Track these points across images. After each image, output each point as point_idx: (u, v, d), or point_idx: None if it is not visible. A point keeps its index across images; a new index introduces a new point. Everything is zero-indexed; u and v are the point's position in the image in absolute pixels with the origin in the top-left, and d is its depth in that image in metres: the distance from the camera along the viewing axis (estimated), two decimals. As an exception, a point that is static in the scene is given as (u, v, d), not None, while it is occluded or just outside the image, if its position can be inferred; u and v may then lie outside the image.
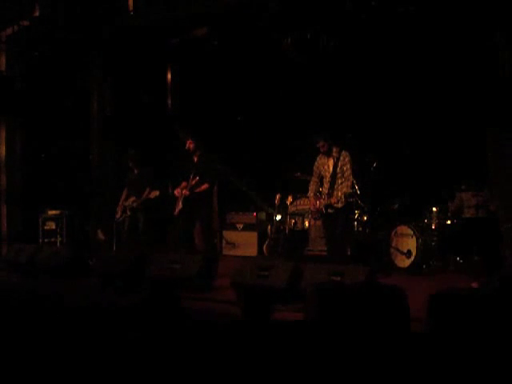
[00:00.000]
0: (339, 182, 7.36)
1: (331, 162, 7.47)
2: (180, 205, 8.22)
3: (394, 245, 8.48)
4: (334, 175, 7.39)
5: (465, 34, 8.09)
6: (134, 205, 8.91)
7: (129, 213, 8.96)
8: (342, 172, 7.36)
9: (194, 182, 8.12)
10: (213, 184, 8.36)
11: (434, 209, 8.48)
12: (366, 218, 8.80)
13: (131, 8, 9.91)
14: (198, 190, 8.10)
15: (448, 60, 8.54)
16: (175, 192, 8.32)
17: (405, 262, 8.33)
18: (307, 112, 9.93)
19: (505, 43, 7.66)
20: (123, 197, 9.16)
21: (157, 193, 8.67)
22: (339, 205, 7.20)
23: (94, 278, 7.29)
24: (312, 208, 7.63)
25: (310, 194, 7.65)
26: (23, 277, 7.95)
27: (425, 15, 8.14)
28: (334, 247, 7.56)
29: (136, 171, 9.12)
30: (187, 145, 8.30)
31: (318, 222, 8.11)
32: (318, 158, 7.66)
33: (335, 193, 7.29)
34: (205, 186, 8.11)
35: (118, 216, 9.13)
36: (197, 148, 8.28)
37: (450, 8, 7.96)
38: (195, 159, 8.32)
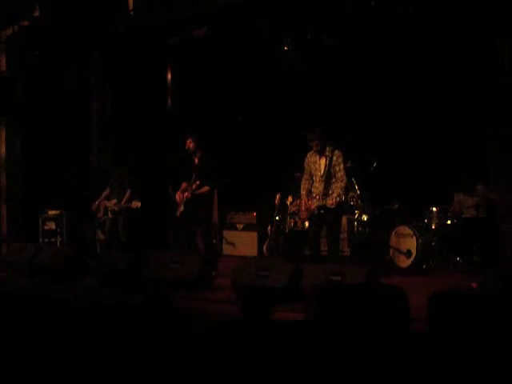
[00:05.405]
0: (332, 181, 7.24)
1: (323, 162, 7.31)
2: (181, 207, 8.19)
3: (394, 245, 8.47)
4: (327, 175, 7.25)
5: (464, 33, 8.10)
6: (116, 209, 8.88)
7: (110, 215, 8.91)
8: (335, 172, 7.23)
9: (195, 186, 8.05)
10: (213, 186, 8.29)
11: (434, 209, 8.47)
12: (365, 218, 8.79)
13: (131, 8, 9.92)
14: (199, 193, 8.05)
15: (448, 60, 8.54)
16: (176, 196, 8.27)
17: (405, 262, 8.32)
18: (307, 112, 9.91)
19: (504, 43, 7.68)
20: (103, 196, 9.09)
21: (138, 204, 8.60)
22: (332, 206, 7.10)
23: (93, 278, 7.29)
24: (303, 207, 7.40)
25: (303, 192, 7.44)
26: (23, 277, 7.95)
27: (424, 15, 8.14)
28: (317, 248, 7.46)
29: (117, 171, 9.08)
30: (187, 145, 8.17)
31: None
32: (308, 155, 7.46)
33: (330, 192, 7.17)
34: (206, 189, 8.04)
35: (99, 216, 9.08)
36: (197, 148, 8.17)
37: (449, 8, 7.97)
38: (196, 160, 8.22)
